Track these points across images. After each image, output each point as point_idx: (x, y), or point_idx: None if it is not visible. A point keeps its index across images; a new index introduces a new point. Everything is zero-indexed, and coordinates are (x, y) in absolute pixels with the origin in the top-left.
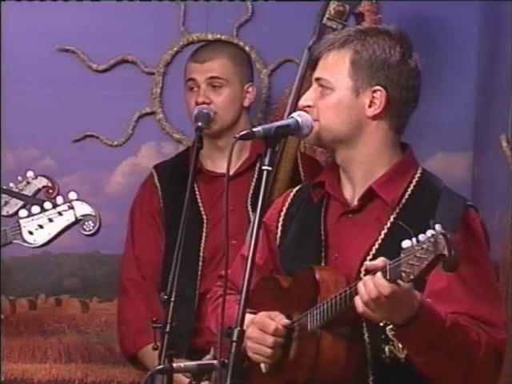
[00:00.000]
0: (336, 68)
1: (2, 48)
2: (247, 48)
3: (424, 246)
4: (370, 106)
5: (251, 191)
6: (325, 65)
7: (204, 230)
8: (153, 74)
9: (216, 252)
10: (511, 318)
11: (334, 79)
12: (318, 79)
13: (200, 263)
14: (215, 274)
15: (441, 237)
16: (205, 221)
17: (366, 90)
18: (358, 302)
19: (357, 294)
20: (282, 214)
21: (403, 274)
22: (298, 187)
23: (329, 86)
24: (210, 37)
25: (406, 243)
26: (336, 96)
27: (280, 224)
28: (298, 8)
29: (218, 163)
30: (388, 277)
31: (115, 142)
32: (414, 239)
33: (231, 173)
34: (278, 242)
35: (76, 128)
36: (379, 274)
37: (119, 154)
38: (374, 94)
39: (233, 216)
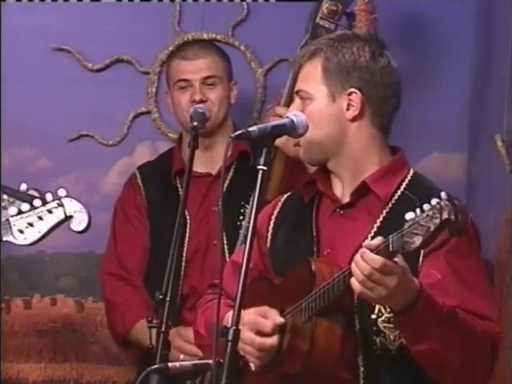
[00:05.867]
0: (310, 78)
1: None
2: (242, 48)
3: (429, 213)
4: (348, 109)
5: (224, 190)
6: (301, 77)
7: (188, 230)
8: (148, 73)
9: (197, 252)
10: (507, 317)
11: (311, 89)
12: (297, 92)
13: (183, 263)
14: (196, 274)
15: (446, 202)
16: (188, 221)
17: (342, 94)
18: (354, 283)
19: (351, 275)
20: (273, 217)
21: (406, 244)
22: (290, 193)
23: (307, 96)
24: (205, 36)
25: (409, 215)
26: (315, 105)
27: (271, 227)
28: (293, 8)
29: (201, 163)
30: (391, 249)
31: (110, 142)
32: (417, 209)
33: (214, 172)
34: (268, 245)
35: (71, 128)
36: (366, 249)
37: (114, 153)
38: (350, 97)
39: (215, 216)
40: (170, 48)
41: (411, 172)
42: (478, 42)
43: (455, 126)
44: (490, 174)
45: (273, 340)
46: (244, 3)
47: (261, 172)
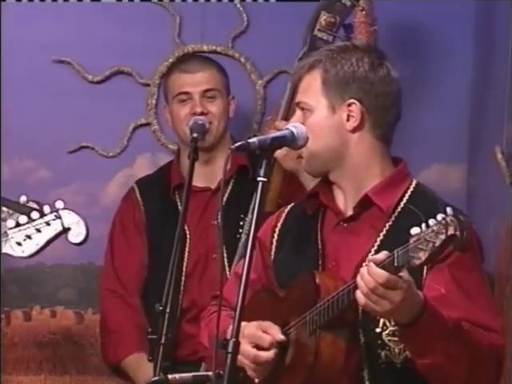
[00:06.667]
0: (310, 90)
1: None
2: (242, 59)
3: (434, 228)
4: (348, 120)
5: (223, 203)
6: (301, 89)
7: (187, 245)
8: (148, 85)
9: (197, 266)
10: (508, 329)
11: (311, 101)
12: (298, 104)
13: (183, 278)
14: (196, 288)
15: (452, 218)
16: (188, 236)
17: (342, 105)
18: (359, 295)
19: (357, 288)
20: (277, 229)
21: (412, 260)
22: (292, 204)
23: (308, 108)
24: (205, 48)
25: (414, 230)
26: (315, 117)
27: (275, 239)
28: (293, 20)
29: (201, 177)
30: (396, 263)
31: (110, 153)
32: (423, 225)
33: (213, 186)
34: (272, 257)
35: (71, 139)
36: (372, 263)
37: (114, 165)
38: (350, 108)
39: (214, 230)
40: (170, 60)
41: (414, 183)
42: (477, 52)
43: (455, 138)
44: (489, 185)
45: (268, 354)
46: (244, 15)
47: (261, 183)
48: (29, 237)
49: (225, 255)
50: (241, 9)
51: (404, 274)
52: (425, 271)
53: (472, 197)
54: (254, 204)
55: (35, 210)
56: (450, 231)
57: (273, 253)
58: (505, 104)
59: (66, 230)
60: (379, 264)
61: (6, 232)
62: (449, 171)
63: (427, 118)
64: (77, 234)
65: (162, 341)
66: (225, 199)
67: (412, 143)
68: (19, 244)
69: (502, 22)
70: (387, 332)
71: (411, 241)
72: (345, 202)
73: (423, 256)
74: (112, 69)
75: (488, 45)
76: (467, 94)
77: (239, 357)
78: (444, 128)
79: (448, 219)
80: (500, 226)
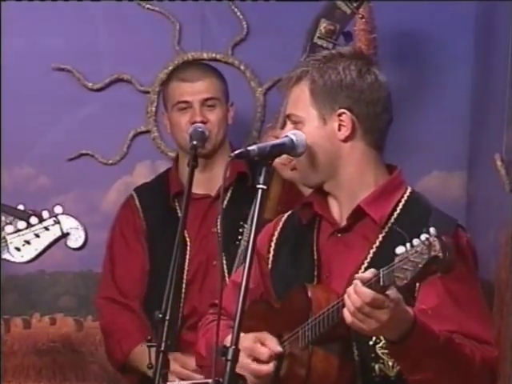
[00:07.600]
0: (299, 102)
1: None
2: (242, 67)
3: (418, 249)
4: (339, 130)
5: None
6: (290, 101)
7: (188, 252)
8: (148, 92)
9: (197, 273)
10: (508, 336)
11: (301, 113)
12: (288, 116)
13: (183, 285)
14: (196, 295)
15: (435, 239)
16: (188, 243)
17: (332, 116)
18: (346, 314)
19: (344, 306)
20: (274, 238)
21: (397, 280)
22: (290, 212)
23: (298, 120)
24: (205, 55)
25: (399, 249)
26: (307, 128)
27: (272, 248)
28: (293, 27)
29: (200, 184)
30: (382, 283)
31: (110, 161)
32: (408, 244)
33: (213, 193)
34: (269, 266)
35: (71, 147)
36: (358, 282)
37: (114, 172)
38: (341, 118)
39: (214, 237)
40: (170, 67)
41: (408, 191)
42: (476, 59)
43: (455, 145)
44: (489, 193)
45: (268, 367)
46: (244, 22)
47: (260, 191)
48: (28, 242)
49: (224, 262)
50: (241, 16)
51: (391, 292)
52: (417, 283)
53: (472, 204)
54: (254, 211)
55: (34, 215)
56: (433, 252)
57: (270, 262)
58: (504, 111)
59: (64, 235)
60: (365, 283)
61: (4, 237)
62: (449, 178)
63: (427, 125)
64: (75, 239)
65: (162, 348)
66: (224, 206)
67: (412, 150)
68: (18, 249)
69: (502, 29)
70: (380, 345)
71: (396, 260)
72: (340, 211)
73: (408, 276)
74: (112, 76)
75: (487, 52)
76: (467, 101)
77: (238, 369)
78: (444, 135)
79: (431, 239)
80: (500, 233)
